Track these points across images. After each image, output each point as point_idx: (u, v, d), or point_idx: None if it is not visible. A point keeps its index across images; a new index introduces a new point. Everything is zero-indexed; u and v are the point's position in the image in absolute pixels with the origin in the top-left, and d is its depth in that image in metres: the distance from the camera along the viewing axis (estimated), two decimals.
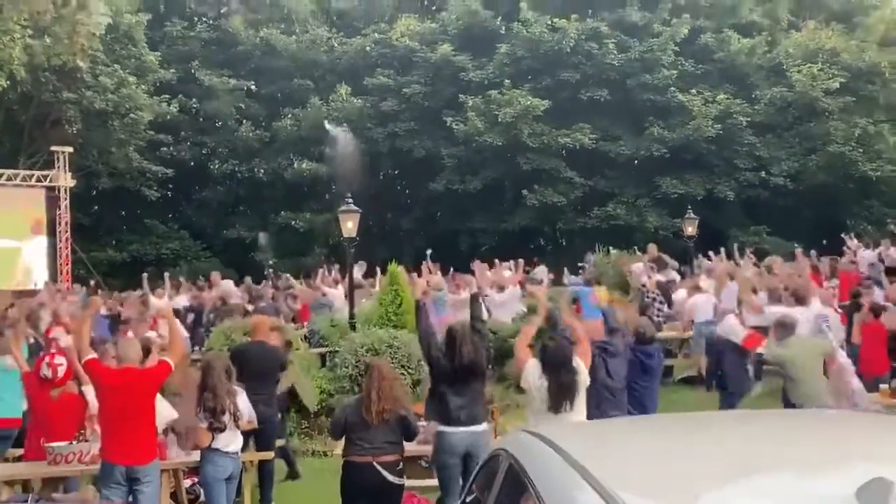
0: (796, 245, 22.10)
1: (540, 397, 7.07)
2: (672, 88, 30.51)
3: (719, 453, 3.17)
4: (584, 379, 7.23)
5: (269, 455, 9.45)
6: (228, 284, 19.44)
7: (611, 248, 21.47)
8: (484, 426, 7.53)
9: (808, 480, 2.82)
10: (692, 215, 22.09)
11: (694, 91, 30.63)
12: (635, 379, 8.46)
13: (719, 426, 3.96)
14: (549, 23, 30.58)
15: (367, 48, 33.50)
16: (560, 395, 7.00)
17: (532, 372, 7.16)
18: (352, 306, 15.49)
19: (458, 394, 7.41)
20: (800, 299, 11.80)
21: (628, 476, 2.84)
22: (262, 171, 33.35)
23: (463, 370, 7.46)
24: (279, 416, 10.18)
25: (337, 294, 17.88)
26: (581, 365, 7.24)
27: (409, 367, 12.93)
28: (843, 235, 23.32)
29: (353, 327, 14.56)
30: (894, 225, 30.34)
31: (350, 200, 16.01)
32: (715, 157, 30.84)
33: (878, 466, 2.58)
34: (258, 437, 8.90)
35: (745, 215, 31.13)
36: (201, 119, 34.60)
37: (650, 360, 8.77)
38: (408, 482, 7.56)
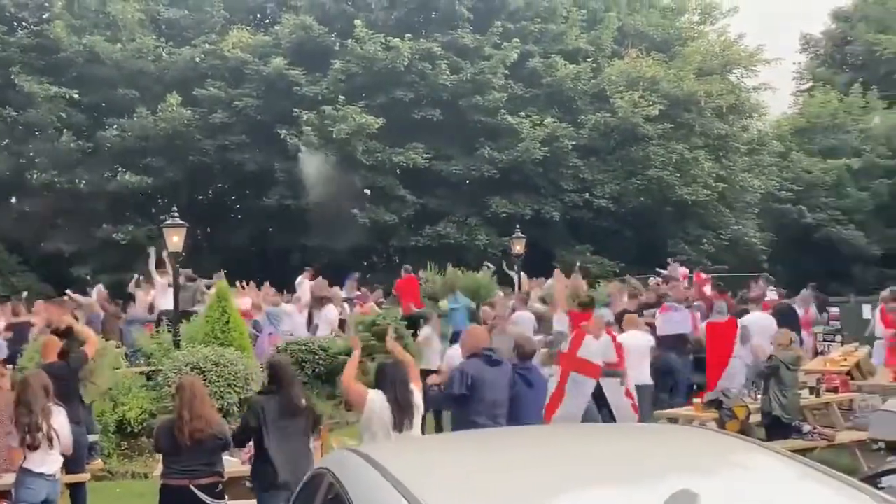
0: (622, 264, 22.99)
1: (385, 423, 7.01)
2: (502, 110, 31.04)
3: (535, 467, 3.25)
4: (419, 401, 7.32)
5: (83, 478, 9.08)
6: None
7: (444, 265, 21.94)
8: None
9: (618, 492, 2.93)
10: (520, 234, 22.71)
11: (523, 114, 31.26)
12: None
13: (538, 440, 4.07)
14: (384, 41, 30.68)
15: (197, 59, 32.65)
16: (401, 412, 7.03)
17: (376, 399, 7.11)
18: (177, 322, 15.06)
19: (283, 448, 6.99)
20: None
21: (445, 491, 2.88)
22: (83, 182, 31.93)
23: (289, 415, 7.09)
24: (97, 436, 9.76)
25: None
26: (416, 389, 7.32)
27: (235, 386, 12.68)
28: (669, 261, 24.50)
29: (177, 345, 14.15)
30: (709, 245, 32.11)
31: (176, 214, 15.59)
32: (542, 179, 31.61)
33: (685, 478, 2.72)
34: (67, 459, 8.54)
35: (570, 235, 32.01)
36: (20, 127, 32.83)
37: (530, 374, 8.93)
38: (231, 503, 7.42)
